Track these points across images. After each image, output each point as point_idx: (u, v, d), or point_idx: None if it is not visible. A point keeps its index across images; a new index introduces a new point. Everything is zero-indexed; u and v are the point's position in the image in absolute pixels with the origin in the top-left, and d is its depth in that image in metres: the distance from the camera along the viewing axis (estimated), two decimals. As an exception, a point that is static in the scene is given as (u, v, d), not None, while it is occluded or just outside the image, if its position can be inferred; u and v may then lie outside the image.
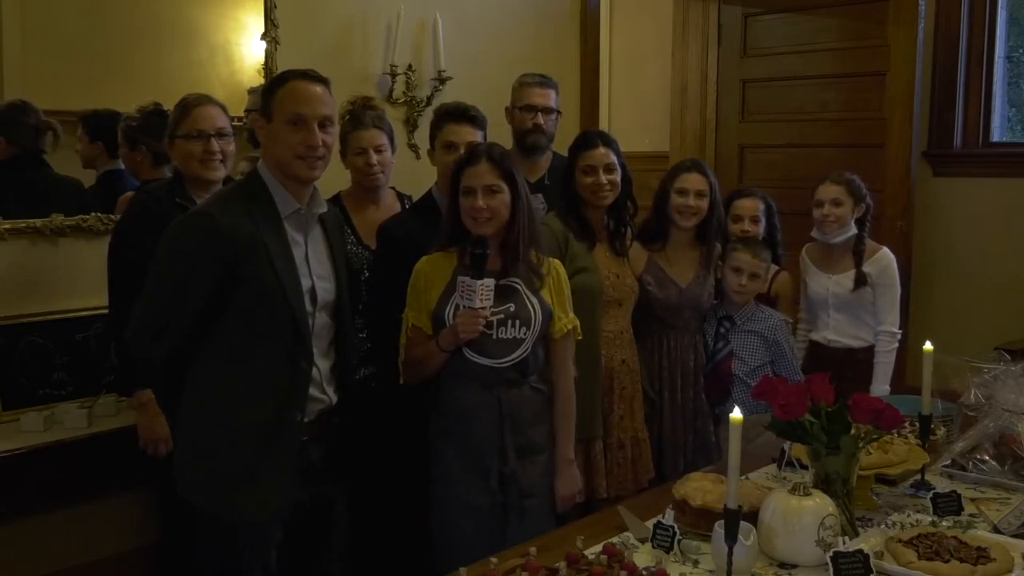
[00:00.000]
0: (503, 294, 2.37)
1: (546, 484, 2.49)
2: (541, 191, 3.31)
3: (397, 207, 3.08)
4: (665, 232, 3.18)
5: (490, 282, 2.32)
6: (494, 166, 2.38)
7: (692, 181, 3.11)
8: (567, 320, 2.51)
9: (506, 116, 3.43)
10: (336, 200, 2.98)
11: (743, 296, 3.16)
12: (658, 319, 3.15)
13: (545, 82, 3.41)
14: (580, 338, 2.58)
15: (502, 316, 2.37)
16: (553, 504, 2.52)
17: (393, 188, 3.16)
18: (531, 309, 2.41)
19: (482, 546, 2.13)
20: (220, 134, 2.75)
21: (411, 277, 2.44)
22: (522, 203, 2.41)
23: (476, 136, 2.87)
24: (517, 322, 2.39)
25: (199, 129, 2.71)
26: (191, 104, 2.75)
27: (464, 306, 2.32)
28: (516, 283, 2.41)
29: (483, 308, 2.31)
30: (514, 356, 2.40)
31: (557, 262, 2.57)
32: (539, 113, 3.33)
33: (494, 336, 2.36)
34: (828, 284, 3.35)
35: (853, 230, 3.31)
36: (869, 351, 3.31)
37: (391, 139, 3.05)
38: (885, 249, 3.36)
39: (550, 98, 3.37)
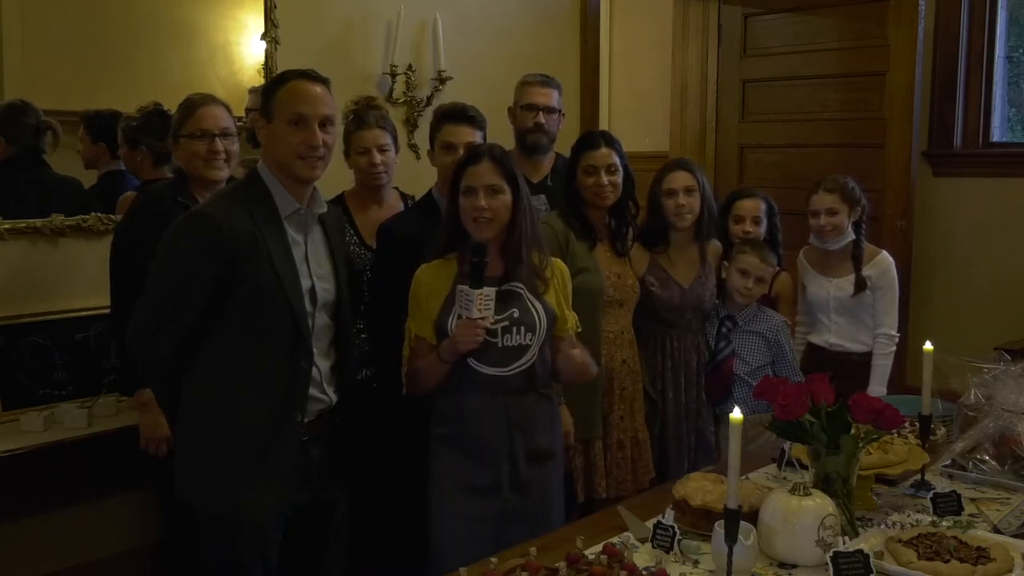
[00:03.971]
0: (506, 299, 2.30)
1: (555, 491, 2.44)
2: (544, 192, 3.31)
3: (400, 207, 3.07)
4: (665, 234, 3.18)
5: (490, 291, 2.24)
6: (496, 166, 2.32)
7: (678, 179, 3.11)
8: (572, 320, 2.46)
9: (508, 116, 3.44)
10: (339, 200, 2.98)
11: (747, 299, 3.15)
12: (661, 319, 3.15)
13: (547, 81, 3.41)
14: (579, 331, 2.53)
15: (506, 323, 2.29)
16: (559, 510, 2.46)
17: (396, 188, 3.16)
18: (535, 314, 2.34)
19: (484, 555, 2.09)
20: (224, 134, 2.75)
21: (411, 287, 2.37)
22: (523, 205, 2.34)
23: (475, 137, 2.87)
24: (522, 328, 2.32)
25: (203, 129, 2.71)
26: (196, 104, 2.75)
27: (463, 316, 2.24)
28: (518, 288, 2.33)
29: (482, 318, 2.22)
30: (520, 363, 2.33)
31: (559, 261, 2.51)
32: (540, 112, 3.33)
33: (499, 344, 2.29)
34: (829, 288, 3.33)
35: (851, 235, 3.30)
36: (870, 355, 3.30)
37: (394, 139, 3.05)
38: (884, 252, 3.35)
39: (552, 97, 3.37)
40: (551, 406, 2.45)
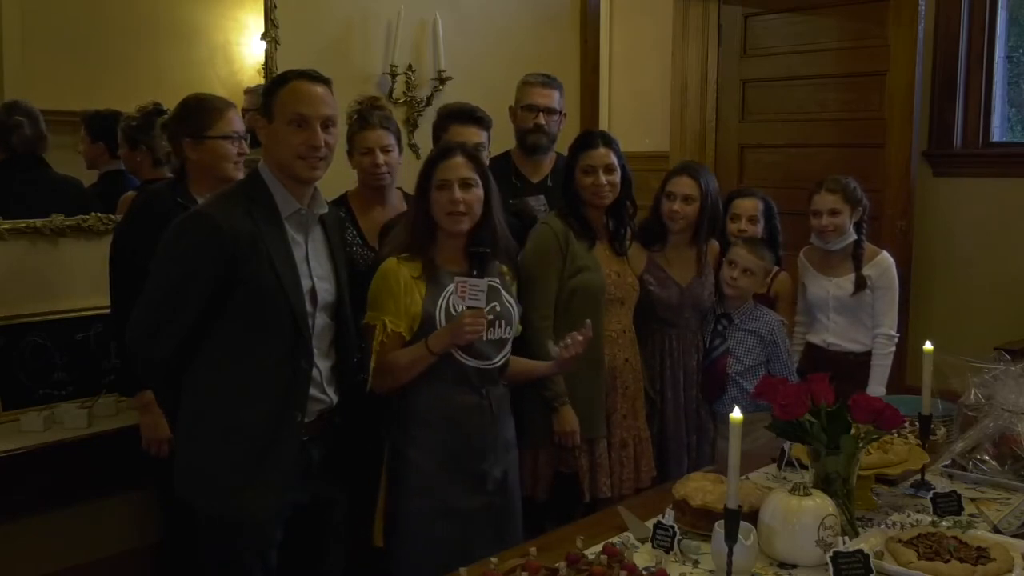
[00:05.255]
0: (488, 294, 2.34)
1: (516, 482, 2.50)
2: (544, 192, 3.31)
3: (404, 207, 3.06)
4: (663, 233, 3.18)
5: (486, 282, 2.30)
6: (468, 160, 2.37)
7: (679, 185, 3.10)
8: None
9: (509, 115, 3.43)
10: (342, 200, 2.97)
11: (734, 290, 3.14)
12: (660, 319, 3.15)
13: (548, 82, 3.41)
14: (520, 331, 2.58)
15: (491, 317, 2.35)
16: (519, 501, 2.51)
17: (400, 189, 3.16)
18: (510, 308, 2.43)
19: (473, 550, 2.09)
20: (244, 136, 2.77)
21: (381, 280, 2.34)
22: (494, 201, 2.41)
23: (481, 137, 2.87)
24: (502, 322, 2.39)
25: (236, 131, 2.73)
26: (222, 106, 2.75)
27: (469, 307, 2.26)
28: (495, 282, 2.39)
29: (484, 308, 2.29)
30: (502, 356, 2.40)
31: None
32: (541, 113, 3.33)
33: (485, 337, 2.33)
34: (828, 287, 3.33)
35: (853, 235, 3.30)
36: (868, 355, 3.30)
37: (398, 139, 3.04)
38: (884, 252, 3.35)
39: (553, 98, 3.37)
40: (509, 397, 2.50)
